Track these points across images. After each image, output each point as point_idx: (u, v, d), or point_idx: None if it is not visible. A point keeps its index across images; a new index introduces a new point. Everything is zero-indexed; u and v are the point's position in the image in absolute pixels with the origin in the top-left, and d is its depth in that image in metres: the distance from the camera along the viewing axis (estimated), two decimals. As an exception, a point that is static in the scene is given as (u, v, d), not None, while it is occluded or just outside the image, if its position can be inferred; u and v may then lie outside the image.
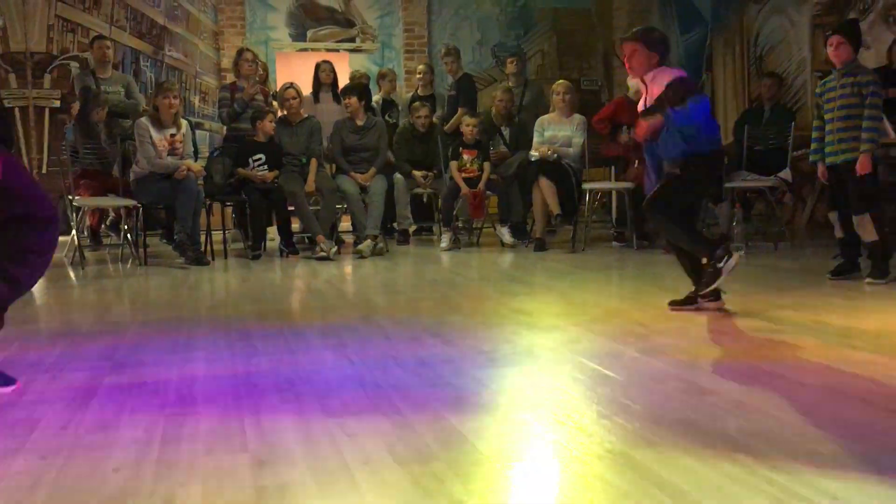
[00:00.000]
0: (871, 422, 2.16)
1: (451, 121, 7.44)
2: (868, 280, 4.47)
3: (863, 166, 4.44)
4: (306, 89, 7.39)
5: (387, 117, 7.72)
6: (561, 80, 7.15)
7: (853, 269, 4.67)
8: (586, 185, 6.59)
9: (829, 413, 2.24)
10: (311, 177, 6.60)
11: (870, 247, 4.55)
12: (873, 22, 6.70)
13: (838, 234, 4.75)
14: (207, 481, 1.84)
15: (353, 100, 6.81)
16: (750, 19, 8.43)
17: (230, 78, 7.76)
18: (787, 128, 6.30)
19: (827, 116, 4.65)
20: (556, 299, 4.39)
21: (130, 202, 6.21)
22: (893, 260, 4.62)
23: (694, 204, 3.96)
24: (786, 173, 6.25)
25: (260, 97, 7.11)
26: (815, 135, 4.77)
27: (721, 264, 3.58)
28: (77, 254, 6.04)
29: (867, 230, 4.50)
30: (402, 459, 1.94)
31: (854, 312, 3.75)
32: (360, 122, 6.85)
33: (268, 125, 6.56)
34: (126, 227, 6.50)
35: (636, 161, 6.48)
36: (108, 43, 7.46)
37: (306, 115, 6.95)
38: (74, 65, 8.54)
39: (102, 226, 7.32)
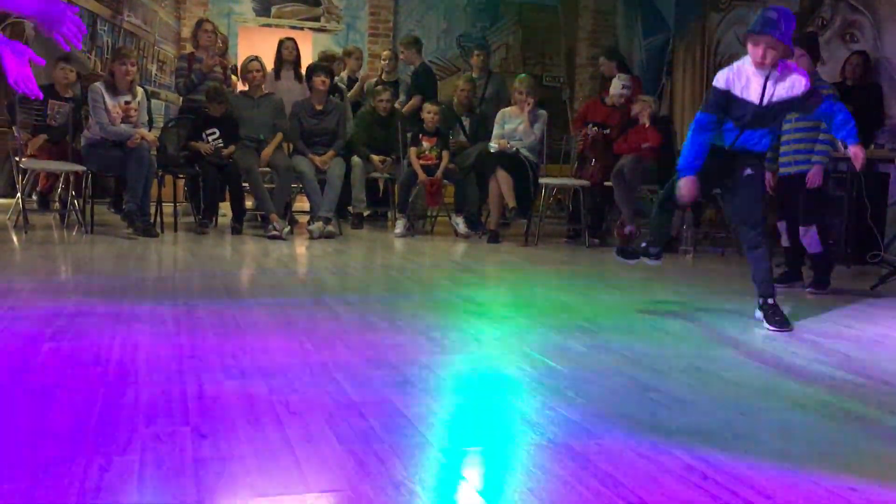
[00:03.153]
0: (806, 424, 2.22)
1: (408, 104, 7.43)
2: (810, 290, 4.59)
3: (814, 178, 4.54)
4: (268, 65, 7.29)
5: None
6: (523, 76, 7.18)
7: (796, 278, 4.78)
8: (543, 180, 6.63)
9: (766, 414, 2.30)
10: (271, 148, 6.50)
11: (814, 258, 4.67)
12: (830, 38, 6.86)
13: (784, 243, 4.85)
14: (146, 451, 1.81)
15: (326, 79, 6.70)
16: (711, 28, 8.56)
17: (190, 48, 7.62)
18: (741, 137, 6.41)
19: (783, 127, 4.73)
20: (507, 291, 4.42)
21: (79, 167, 6.07)
22: (834, 272, 4.75)
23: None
24: (737, 181, 6.36)
25: (218, 69, 6.99)
26: None
27: (650, 258, 3.89)
28: (21, 217, 5.89)
29: (812, 242, 4.61)
30: (344, 439, 1.94)
31: (794, 319, 3.84)
32: (318, 106, 6.75)
33: (216, 107, 6.45)
34: (73, 193, 6.35)
35: (593, 159, 6.55)
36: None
37: (267, 92, 6.86)
38: (30, 24, 8.30)
39: (55, 193, 7.12)
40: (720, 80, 3.56)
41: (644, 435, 2.06)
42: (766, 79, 3.48)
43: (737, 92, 3.52)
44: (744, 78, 3.52)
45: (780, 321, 3.52)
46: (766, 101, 3.49)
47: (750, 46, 3.48)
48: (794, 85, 3.48)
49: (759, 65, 3.45)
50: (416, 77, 7.61)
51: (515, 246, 6.34)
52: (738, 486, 1.75)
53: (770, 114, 3.54)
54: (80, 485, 1.63)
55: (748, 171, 3.63)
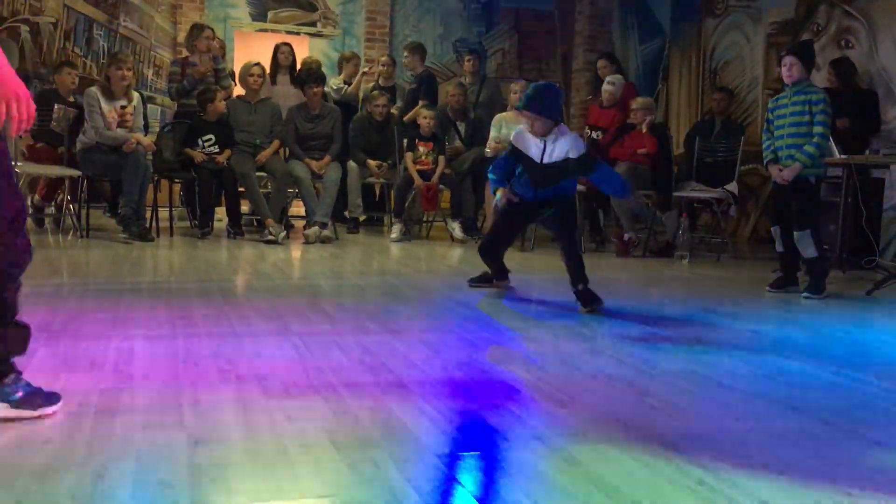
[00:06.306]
0: (800, 429, 2.22)
1: (412, 112, 7.44)
2: (805, 295, 4.60)
3: (789, 173, 4.59)
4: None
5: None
6: (520, 80, 7.23)
7: (791, 283, 4.79)
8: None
9: (761, 419, 2.30)
10: (268, 152, 6.55)
11: (808, 263, 4.68)
12: (825, 44, 6.88)
13: (779, 248, 4.86)
14: (141, 457, 1.81)
15: (321, 89, 6.85)
16: (707, 34, 8.59)
17: (185, 53, 7.62)
18: (736, 142, 6.44)
19: (777, 133, 4.76)
20: (502, 295, 4.42)
21: (75, 172, 6.06)
22: (830, 277, 4.76)
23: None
24: (732, 186, 6.39)
25: (211, 75, 6.97)
26: (766, 143, 4.86)
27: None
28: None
29: (807, 246, 4.62)
30: (340, 444, 1.93)
31: (789, 324, 3.85)
32: (314, 111, 6.80)
33: (219, 105, 6.46)
34: (69, 197, 6.34)
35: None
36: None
37: (264, 97, 6.87)
38: (25, 28, 8.30)
39: (52, 202, 7.08)
40: (512, 136, 4.21)
41: (640, 440, 2.06)
42: (544, 143, 4.03)
43: (521, 149, 4.12)
44: (526, 140, 4.10)
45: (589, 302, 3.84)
46: (545, 160, 4.03)
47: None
48: (571, 148, 3.99)
49: (532, 133, 4.06)
50: (422, 82, 7.61)
51: (512, 251, 6.33)
52: (734, 491, 1.75)
53: (552, 173, 4.05)
54: (74, 491, 1.62)
55: (557, 212, 4.16)
